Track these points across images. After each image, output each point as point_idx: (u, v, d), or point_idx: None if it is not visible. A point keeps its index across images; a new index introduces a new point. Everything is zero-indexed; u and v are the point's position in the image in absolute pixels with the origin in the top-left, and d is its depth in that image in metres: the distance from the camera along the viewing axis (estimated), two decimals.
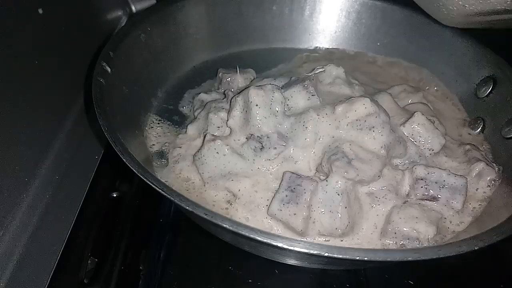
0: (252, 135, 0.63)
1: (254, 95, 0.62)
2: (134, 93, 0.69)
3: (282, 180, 0.59)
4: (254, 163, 0.63)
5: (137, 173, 0.47)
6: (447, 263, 0.68)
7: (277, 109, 0.63)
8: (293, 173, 0.59)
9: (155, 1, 0.99)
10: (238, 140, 0.65)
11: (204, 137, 0.66)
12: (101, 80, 0.58)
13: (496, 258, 0.70)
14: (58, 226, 0.65)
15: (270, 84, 0.66)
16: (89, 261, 0.64)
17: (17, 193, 0.60)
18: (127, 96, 0.66)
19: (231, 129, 0.66)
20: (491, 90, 0.72)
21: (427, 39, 0.85)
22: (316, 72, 0.73)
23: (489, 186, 0.64)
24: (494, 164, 0.66)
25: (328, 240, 0.57)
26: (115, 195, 0.73)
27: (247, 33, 0.91)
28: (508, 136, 0.66)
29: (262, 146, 0.62)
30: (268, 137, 0.63)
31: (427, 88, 0.84)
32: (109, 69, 0.60)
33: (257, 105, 0.62)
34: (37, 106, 0.66)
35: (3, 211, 0.57)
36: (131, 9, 0.99)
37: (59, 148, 0.69)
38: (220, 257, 0.66)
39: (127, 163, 0.48)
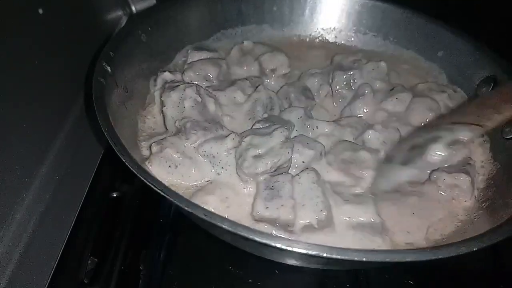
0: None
1: (164, 97, 0.67)
2: (134, 92, 0.69)
3: (258, 186, 0.59)
4: (200, 163, 0.63)
5: (136, 173, 0.47)
6: (447, 264, 0.68)
7: (184, 106, 0.66)
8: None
9: (155, 2, 0.99)
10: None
11: (150, 148, 0.63)
12: (101, 79, 0.58)
13: (496, 258, 0.70)
14: (58, 226, 0.65)
15: (184, 83, 0.69)
16: (89, 261, 0.64)
17: (17, 193, 0.60)
18: (127, 96, 0.66)
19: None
20: (491, 90, 0.72)
21: (427, 39, 0.86)
22: None
23: (454, 200, 0.63)
24: (476, 191, 0.64)
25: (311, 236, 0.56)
26: (115, 195, 0.73)
27: (247, 33, 0.91)
28: (508, 137, 0.65)
29: (186, 137, 0.63)
30: (184, 127, 0.64)
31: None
32: (109, 69, 0.60)
33: (166, 107, 0.67)
34: (37, 106, 0.65)
35: (3, 211, 0.57)
36: (131, 9, 0.98)
37: (59, 148, 0.69)
38: (220, 257, 0.67)
39: (126, 163, 0.47)
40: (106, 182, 0.74)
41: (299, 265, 0.61)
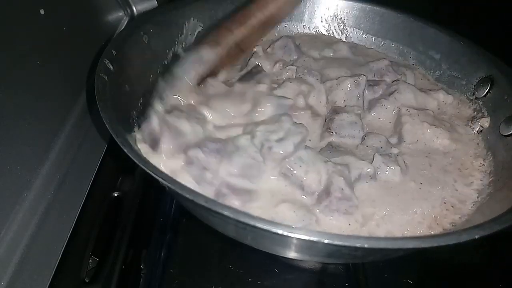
0: None
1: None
2: (136, 92, 0.69)
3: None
4: None
5: (137, 162, 0.47)
6: (446, 262, 0.68)
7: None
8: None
9: (156, 2, 1.00)
10: None
11: None
12: (104, 76, 0.58)
13: (495, 257, 0.71)
14: (59, 225, 0.65)
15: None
16: (90, 260, 0.64)
17: (19, 192, 0.60)
18: (128, 95, 0.66)
19: None
20: (488, 90, 0.73)
21: (424, 42, 0.86)
22: None
23: None
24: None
25: None
26: (116, 195, 0.73)
27: None
28: (505, 134, 0.66)
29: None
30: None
31: None
32: (111, 67, 0.60)
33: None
34: (39, 106, 0.66)
35: (5, 210, 0.57)
36: (132, 10, 0.99)
37: (60, 148, 0.69)
38: (220, 257, 0.67)
39: (128, 153, 0.47)
40: (107, 181, 0.74)
41: (299, 258, 0.61)
